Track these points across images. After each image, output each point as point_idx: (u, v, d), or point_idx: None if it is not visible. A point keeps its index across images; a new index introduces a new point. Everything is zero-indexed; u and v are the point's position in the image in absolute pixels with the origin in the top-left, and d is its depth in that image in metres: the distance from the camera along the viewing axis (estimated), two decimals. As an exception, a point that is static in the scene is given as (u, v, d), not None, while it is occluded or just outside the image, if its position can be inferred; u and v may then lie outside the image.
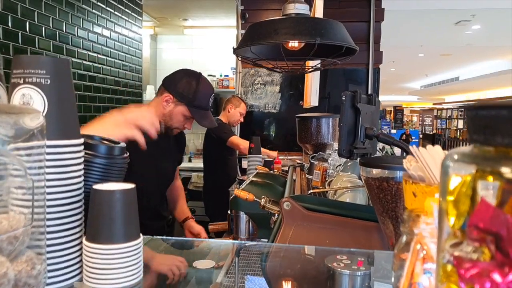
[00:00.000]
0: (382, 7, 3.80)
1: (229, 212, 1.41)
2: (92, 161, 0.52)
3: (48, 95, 0.45)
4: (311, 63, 1.58)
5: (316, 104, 2.74)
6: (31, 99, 0.45)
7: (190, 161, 5.29)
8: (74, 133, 0.46)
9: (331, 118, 1.96)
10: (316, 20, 1.39)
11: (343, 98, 1.11)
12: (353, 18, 3.79)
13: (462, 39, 7.22)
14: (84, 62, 2.99)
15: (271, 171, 1.76)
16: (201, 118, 1.70)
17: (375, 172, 0.94)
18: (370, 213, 1.14)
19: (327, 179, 1.48)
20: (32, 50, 2.42)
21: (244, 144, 3.19)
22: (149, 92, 5.21)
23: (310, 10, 2.88)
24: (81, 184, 0.51)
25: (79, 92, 2.93)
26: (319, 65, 1.54)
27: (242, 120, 3.54)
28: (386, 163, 0.92)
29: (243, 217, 1.39)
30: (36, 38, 2.45)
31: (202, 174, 3.80)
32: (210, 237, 1.87)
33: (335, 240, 1.13)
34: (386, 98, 21.04)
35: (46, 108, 0.44)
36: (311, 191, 1.26)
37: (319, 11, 2.72)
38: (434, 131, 19.17)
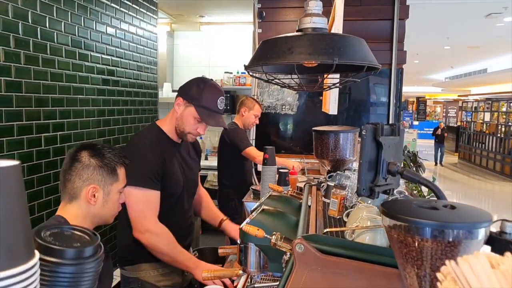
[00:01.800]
0: (407, 3, 3.61)
1: (238, 242, 1.32)
2: (57, 271, 0.44)
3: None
4: (328, 80, 1.46)
5: (335, 113, 2.61)
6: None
7: (206, 159, 5.25)
8: (23, 257, 0.37)
9: (350, 133, 1.84)
10: (334, 37, 1.27)
11: (363, 132, 1.00)
12: (375, 16, 3.61)
13: (492, 32, 6.89)
14: (98, 65, 2.94)
15: (285, 191, 1.66)
16: (207, 117, 1.73)
17: (399, 223, 0.82)
18: (391, 257, 1.03)
19: (345, 208, 1.38)
20: (44, 57, 2.37)
21: (260, 157, 3.10)
22: (166, 90, 5.15)
23: (330, 9, 2.75)
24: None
25: (92, 97, 2.89)
26: (337, 84, 1.42)
27: (257, 122, 3.44)
28: (413, 213, 0.81)
29: (254, 248, 1.30)
30: (48, 45, 2.40)
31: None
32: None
33: (352, 287, 1.03)
34: (408, 89, 20.49)
35: (-19, 236, 0.36)
36: (327, 230, 1.16)
37: (339, 11, 2.58)
38: (459, 124, 18.58)
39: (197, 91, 1.73)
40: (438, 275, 0.50)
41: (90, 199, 1.30)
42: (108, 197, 1.32)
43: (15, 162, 0.38)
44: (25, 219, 0.38)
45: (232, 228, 2.04)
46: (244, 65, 1.36)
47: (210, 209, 2.17)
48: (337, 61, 1.17)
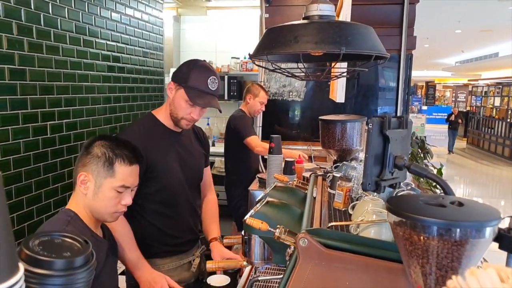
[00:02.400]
0: (418, -13, 3.51)
1: (242, 233, 1.32)
2: (46, 283, 0.42)
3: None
4: (335, 70, 1.42)
5: (342, 101, 2.57)
6: None
7: (213, 145, 5.24)
8: (4, 275, 0.35)
9: (357, 122, 1.81)
10: (341, 25, 1.23)
11: (370, 126, 0.97)
12: (385, 0, 3.52)
13: (505, 15, 6.72)
14: (103, 52, 2.92)
15: (291, 181, 1.64)
16: (197, 97, 1.63)
17: (404, 220, 0.80)
18: (396, 252, 1.02)
19: (350, 199, 1.36)
20: (48, 44, 2.35)
21: (259, 147, 3.10)
22: (172, 75, 5.13)
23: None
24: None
25: (97, 84, 2.87)
26: (344, 73, 1.39)
27: (263, 109, 3.40)
28: (419, 210, 0.79)
29: (258, 240, 1.29)
30: (52, 32, 2.38)
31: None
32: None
33: (356, 282, 1.02)
34: (418, 74, 20.19)
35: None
36: (331, 224, 1.15)
37: (347, -4, 2.51)
38: (468, 108, 18.33)
39: (186, 71, 1.65)
40: None
41: (80, 185, 1.28)
42: (99, 190, 1.27)
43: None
44: (6, 235, 0.36)
45: (216, 251, 1.78)
46: (249, 54, 1.33)
47: (208, 222, 1.92)
48: (344, 51, 1.13)
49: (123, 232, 1.57)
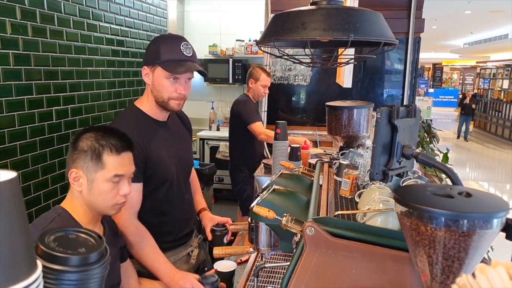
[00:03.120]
0: (427, -33, 3.43)
1: (249, 220, 1.32)
2: (62, 278, 0.43)
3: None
4: (343, 56, 1.40)
5: (349, 86, 2.55)
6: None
7: (218, 129, 5.23)
8: (23, 272, 0.36)
9: (364, 109, 1.79)
10: (350, 12, 1.20)
11: (378, 115, 0.96)
12: (393, -19, 3.45)
13: (516, -5, 6.57)
14: (106, 36, 2.89)
15: (297, 168, 1.64)
16: (176, 67, 1.51)
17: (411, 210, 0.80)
18: (403, 240, 1.02)
19: (357, 187, 1.36)
20: (51, 28, 2.34)
21: (262, 134, 3.09)
22: (177, 59, 5.08)
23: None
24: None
25: (102, 68, 2.86)
26: (351, 60, 1.37)
27: (267, 92, 3.31)
28: (427, 201, 0.78)
29: (264, 227, 1.30)
30: (55, 16, 2.36)
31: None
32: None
33: (362, 270, 1.02)
34: (425, 56, 19.91)
35: (-21, 253, 0.34)
36: (338, 212, 1.15)
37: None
38: (475, 91, 18.11)
39: (155, 49, 1.52)
40: (453, 286, 0.48)
41: (74, 183, 1.24)
42: (93, 184, 1.23)
43: (11, 175, 0.37)
44: (25, 233, 0.37)
45: (207, 218, 1.80)
46: (255, 41, 1.31)
47: (195, 196, 1.89)
48: (352, 38, 1.12)
49: (140, 245, 1.51)
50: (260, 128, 3.13)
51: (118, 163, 1.24)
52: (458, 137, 12.59)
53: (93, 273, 0.45)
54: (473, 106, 12.60)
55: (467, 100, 12.50)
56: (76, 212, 1.25)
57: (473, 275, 0.45)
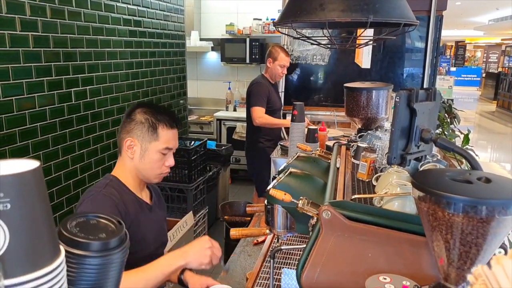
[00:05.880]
0: None
1: (265, 202, 1.33)
2: (84, 263, 0.44)
3: (10, 223, 0.36)
4: (362, 37, 1.37)
5: (368, 66, 2.50)
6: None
7: (235, 110, 5.23)
8: (47, 258, 0.38)
9: (383, 90, 1.76)
10: (369, -9, 1.17)
11: (397, 99, 0.94)
12: (415, -44, 3.31)
13: (545, -31, 6.25)
14: (124, 16, 2.89)
15: (314, 151, 1.63)
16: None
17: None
18: (420, 225, 1.01)
19: (374, 171, 1.35)
20: (69, 9, 2.35)
21: (258, 119, 3.14)
22: (193, 38, 5.06)
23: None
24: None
25: (119, 49, 2.87)
26: (370, 42, 1.34)
27: (285, 72, 3.28)
28: (445, 187, 0.77)
29: (280, 210, 1.31)
30: (72, -3, 2.36)
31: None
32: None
33: (378, 254, 1.02)
34: (447, 33, 19.27)
35: (6, 241, 0.35)
36: (355, 196, 1.14)
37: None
38: (500, 70, 17.53)
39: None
40: (469, 277, 0.47)
41: (127, 150, 1.38)
42: (146, 153, 1.37)
43: (35, 164, 0.38)
44: (48, 220, 0.38)
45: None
46: (273, 22, 1.30)
47: None
48: (371, 19, 1.09)
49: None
50: (259, 112, 3.14)
51: (170, 137, 1.40)
52: None
53: (113, 258, 0.47)
54: None
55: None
56: (125, 178, 1.40)
57: (489, 265, 0.45)
